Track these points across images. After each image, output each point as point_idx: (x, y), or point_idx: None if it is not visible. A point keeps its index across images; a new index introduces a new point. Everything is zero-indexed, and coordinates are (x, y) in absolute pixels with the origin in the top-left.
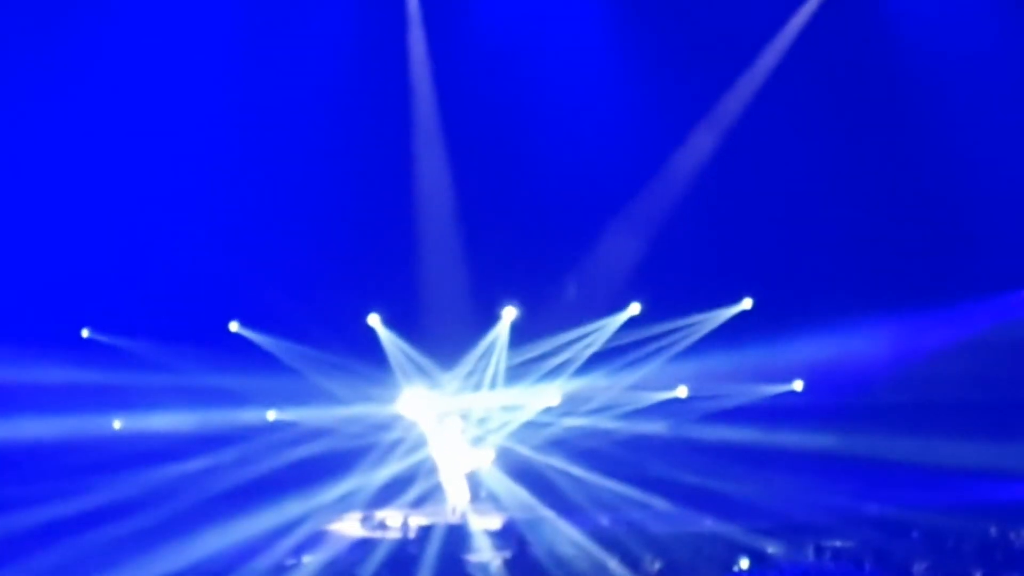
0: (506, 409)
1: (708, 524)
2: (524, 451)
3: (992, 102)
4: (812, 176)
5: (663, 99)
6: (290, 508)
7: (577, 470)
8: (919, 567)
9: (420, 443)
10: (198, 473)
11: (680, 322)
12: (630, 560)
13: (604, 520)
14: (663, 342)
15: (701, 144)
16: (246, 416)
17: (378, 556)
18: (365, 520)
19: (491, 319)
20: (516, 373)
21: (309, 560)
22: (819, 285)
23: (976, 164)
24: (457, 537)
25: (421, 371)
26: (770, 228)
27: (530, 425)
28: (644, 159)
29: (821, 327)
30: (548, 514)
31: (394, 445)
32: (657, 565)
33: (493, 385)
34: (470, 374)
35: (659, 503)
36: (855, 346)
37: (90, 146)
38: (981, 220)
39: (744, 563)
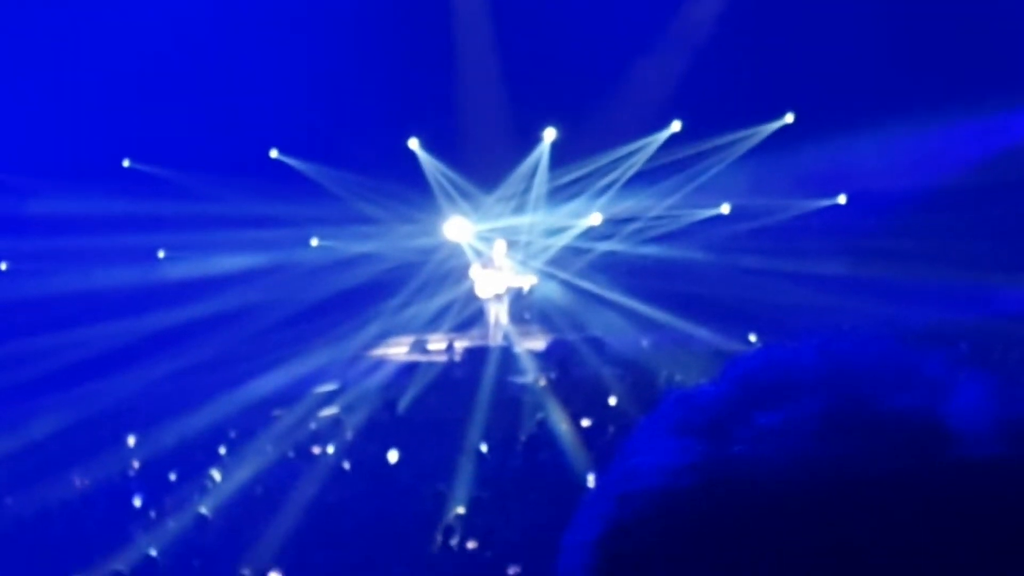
0: (548, 231)
1: (752, 341)
2: (567, 273)
3: None
4: None
5: None
6: (338, 336)
7: (619, 291)
8: None
9: (463, 267)
10: (247, 305)
11: (722, 139)
12: (673, 379)
13: (645, 341)
14: (705, 160)
15: None
16: (290, 244)
17: (424, 380)
18: (411, 345)
19: (532, 141)
20: (558, 195)
21: (357, 386)
22: (862, 98)
23: None
24: (502, 359)
25: (463, 195)
26: (812, 40)
27: (572, 247)
28: None
29: (864, 142)
30: (591, 335)
31: (438, 270)
32: (701, 383)
33: (535, 207)
34: (512, 197)
35: (702, 323)
36: (898, 161)
37: None
38: None
39: None
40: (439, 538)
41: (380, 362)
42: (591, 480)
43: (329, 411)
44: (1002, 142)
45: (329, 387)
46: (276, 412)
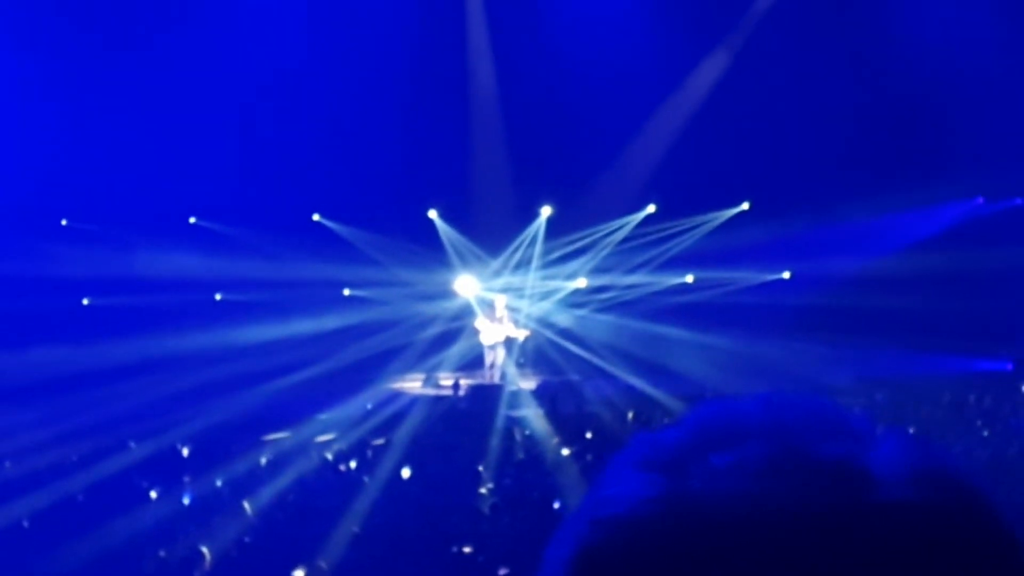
0: (543, 291)
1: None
2: (556, 327)
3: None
4: (810, 91)
5: (682, 27)
6: (362, 370)
7: (601, 340)
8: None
9: (470, 316)
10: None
11: (689, 221)
12: (639, 418)
13: (621, 384)
14: (676, 239)
15: (713, 66)
16: (326, 299)
17: (435, 410)
18: (425, 380)
19: (531, 215)
20: (551, 260)
21: (377, 412)
22: (812, 191)
23: (964, 77)
24: (499, 395)
25: (473, 257)
26: (772, 140)
27: (562, 304)
28: (663, 79)
29: (810, 228)
30: (574, 379)
31: (449, 317)
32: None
33: (532, 270)
34: (513, 261)
35: (660, 379)
36: (837, 244)
37: (198, 57)
38: (966, 128)
39: None
40: (442, 542)
41: (398, 393)
42: (556, 505)
43: (326, 437)
44: (930, 230)
45: (358, 413)
46: (270, 436)
